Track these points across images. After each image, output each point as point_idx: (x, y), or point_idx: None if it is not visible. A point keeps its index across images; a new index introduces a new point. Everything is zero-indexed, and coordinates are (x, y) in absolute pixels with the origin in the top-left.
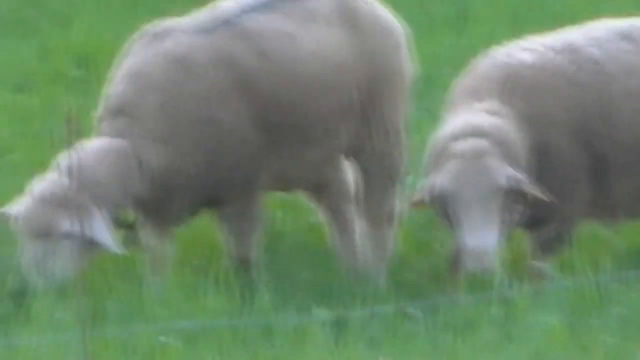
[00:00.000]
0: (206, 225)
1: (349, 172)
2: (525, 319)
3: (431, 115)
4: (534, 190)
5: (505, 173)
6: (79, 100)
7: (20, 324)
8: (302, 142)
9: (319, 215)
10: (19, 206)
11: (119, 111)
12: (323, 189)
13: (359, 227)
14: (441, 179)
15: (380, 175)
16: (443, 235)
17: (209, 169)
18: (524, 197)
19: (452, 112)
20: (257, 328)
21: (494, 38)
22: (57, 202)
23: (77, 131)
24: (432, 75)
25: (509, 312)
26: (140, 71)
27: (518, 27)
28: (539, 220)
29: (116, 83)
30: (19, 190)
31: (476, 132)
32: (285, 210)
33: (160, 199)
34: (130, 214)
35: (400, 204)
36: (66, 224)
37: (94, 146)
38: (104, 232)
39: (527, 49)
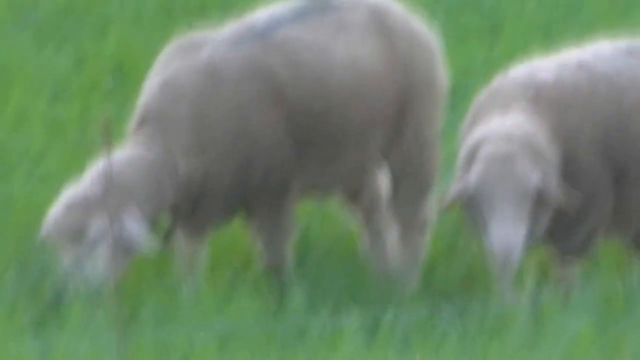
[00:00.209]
0: (240, 230)
1: (382, 179)
2: (554, 322)
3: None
4: (562, 193)
5: (535, 176)
6: (113, 110)
7: (56, 328)
8: (335, 151)
9: (352, 221)
10: (51, 213)
11: (152, 121)
12: (356, 196)
13: (391, 233)
14: (472, 180)
15: (413, 184)
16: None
17: (242, 177)
18: (552, 202)
19: (481, 124)
20: (291, 331)
21: (526, 50)
22: (88, 206)
23: (111, 140)
24: (463, 87)
25: (539, 316)
26: (174, 82)
27: (550, 39)
28: (562, 232)
29: (150, 93)
30: (54, 198)
31: (506, 136)
32: (318, 216)
33: (193, 207)
34: (164, 220)
35: (432, 211)
36: (97, 228)
37: (126, 154)
38: (135, 231)
39: (545, 69)
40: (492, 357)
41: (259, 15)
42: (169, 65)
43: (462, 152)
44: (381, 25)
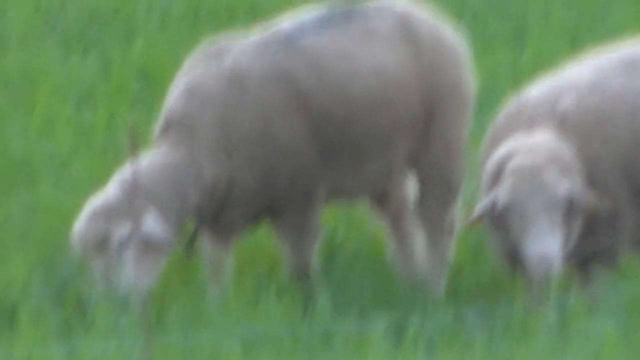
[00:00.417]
0: (266, 234)
1: (409, 183)
2: (581, 326)
3: None
4: (594, 200)
5: (565, 186)
6: (140, 115)
7: (83, 331)
8: (360, 156)
9: (378, 224)
10: (75, 225)
11: (177, 126)
12: (383, 199)
13: (418, 237)
14: (502, 194)
15: (441, 188)
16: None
17: (267, 182)
18: (583, 209)
19: (507, 141)
20: (317, 335)
21: (552, 55)
22: (111, 212)
23: (138, 146)
24: (490, 92)
25: (565, 319)
26: (200, 87)
27: (576, 44)
28: (585, 254)
29: (175, 97)
30: (80, 203)
31: (533, 150)
32: (344, 220)
33: (219, 210)
34: (190, 224)
35: (458, 214)
36: (121, 235)
37: (150, 159)
38: (156, 229)
39: (562, 94)
40: None
41: (285, 22)
42: (194, 71)
43: (488, 169)
44: (407, 32)
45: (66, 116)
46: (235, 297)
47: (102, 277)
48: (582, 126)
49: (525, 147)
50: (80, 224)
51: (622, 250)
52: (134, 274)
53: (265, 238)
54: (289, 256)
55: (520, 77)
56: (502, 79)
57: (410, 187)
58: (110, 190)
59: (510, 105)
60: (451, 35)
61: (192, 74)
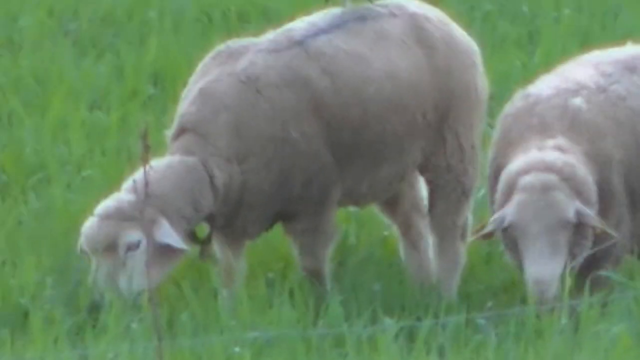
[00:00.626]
0: (278, 237)
1: (422, 187)
2: (593, 329)
3: None
4: (601, 225)
5: (574, 207)
6: (153, 118)
7: (95, 335)
8: (375, 159)
9: (391, 228)
10: (86, 224)
11: (192, 129)
12: (396, 203)
13: (431, 240)
14: (509, 212)
15: (454, 191)
16: None
17: (281, 186)
18: (591, 232)
19: (516, 147)
20: (328, 338)
21: (563, 56)
22: (122, 216)
23: (150, 148)
24: (502, 93)
25: (577, 322)
26: (214, 91)
27: (587, 45)
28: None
29: (189, 102)
30: (93, 206)
31: (546, 167)
32: (356, 223)
33: (233, 214)
34: (203, 228)
35: (470, 218)
36: (131, 236)
37: (165, 163)
38: (169, 235)
39: (572, 92)
40: None
41: (298, 24)
42: (208, 74)
43: (502, 182)
44: (420, 34)
45: (79, 119)
46: (246, 301)
47: (107, 279)
48: (594, 126)
49: (539, 164)
50: (90, 226)
51: (622, 254)
52: (140, 280)
53: (277, 241)
54: (303, 257)
55: (531, 79)
56: (514, 81)
57: (423, 190)
58: (123, 194)
59: (517, 105)
60: (464, 38)
61: (205, 79)
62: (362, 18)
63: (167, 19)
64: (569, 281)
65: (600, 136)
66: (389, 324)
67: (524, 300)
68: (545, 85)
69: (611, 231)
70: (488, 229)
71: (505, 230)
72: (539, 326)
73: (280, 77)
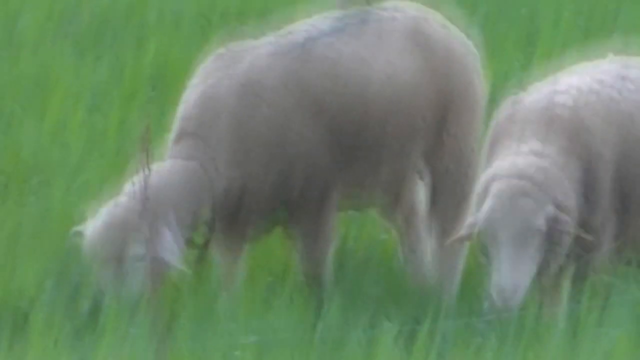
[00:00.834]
0: (278, 239)
1: (420, 189)
2: (592, 332)
3: None
4: (576, 231)
5: (544, 215)
6: (152, 120)
7: (94, 338)
8: (374, 162)
9: (390, 231)
10: (89, 230)
11: (192, 133)
12: (395, 206)
13: (430, 243)
14: (480, 218)
15: (453, 194)
16: None
17: (281, 189)
18: (567, 238)
19: (497, 155)
20: (328, 340)
21: (563, 58)
22: (128, 226)
23: (150, 150)
24: (501, 95)
25: (577, 325)
26: (213, 94)
27: (587, 46)
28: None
29: (189, 106)
30: (92, 208)
31: (518, 174)
32: (355, 226)
33: (233, 218)
34: (203, 232)
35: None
36: (137, 248)
37: (165, 167)
38: (170, 252)
39: (559, 92)
40: None
41: (299, 27)
42: (208, 77)
43: (477, 187)
44: (420, 36)
45: (78, 121)
46: (247, 303)
47: (111, 286)
48: (578, 122)
49: (511, 170)
50: (96, 234)
51: (607, 256)
52: (142, 285)
53: (277, 243)
54: (303, 260)
55: (530, 81)
56: (513, 82)
57: (421, 192)
58: (126, 200)
59: (503, 113)
60: (463, 40)
61: (205, 80)
62: (362, 21)
63: (166, 20)
64: (567, 285)
65: (586, 132)
66: (389, 327)
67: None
68: (534, 91)
69: (587, 236)
70: (461, 233)
71: (475, 235)
72: (539, 330)
73: (279, 80)
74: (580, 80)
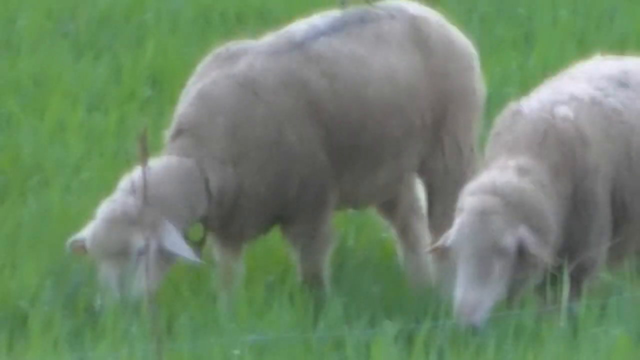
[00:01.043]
0: (277, 240)
1: (420, 189)
2: (591, 332)
3: None
4: (541, 254)
5: (513, 235)
6: (150, 120)
7: (94, 338)
8: (373, 162)
9: (389, 230)
10: (90, 229)
11: (188, 132)
12: (394, 205)
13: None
14: (451, 232)
15: (452, 193)
16: None
17: (277, 189)
18: (536, 261)
19: (487, 167)
20: (327, 341)
21: (560, 59)
22: (130, 220)
23: (148, 150)
24: (498, 95)
25: (576, 325)
26: (211, 93)
27: (584, 48)
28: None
29: (187, 104)
30: (91, 208)
31: (493, 190)
32: (355, 226)
33: (229, 218)
34: (199, 231)
35: None
36: (141, 241)
37: (163, 164)
38: (179, 243)
39: (559, 102)
40: None
41: (297, 27)
42: (206, 76)
43: (459, 200)
44: (418, 36)
45: (77, 121)
46: (245, 304)
47: (116, 284)
48: (576, 136)
49: (487, 186)
50: (97, 231)
51: (601, 264)
52: (145, 282)
53: (276, 244)
54: (301, 261)
55: (528, 80)
56: (510, 83)
57: (421, 192)
58: (124, 196)
59: (503, 123)
60: (462, 40)
61: (203, 81)
62: (361, 20)
63: (164, 20)
64: (566, 286)
65: (582, 146)
66: (388, 326)
67: (522, 303)
68: (534, 99)
69: (552, 260)
70: (438, 244)
71: (447, 249)
72: (538, 329)
73: (278, 80)
74: (580, 88)
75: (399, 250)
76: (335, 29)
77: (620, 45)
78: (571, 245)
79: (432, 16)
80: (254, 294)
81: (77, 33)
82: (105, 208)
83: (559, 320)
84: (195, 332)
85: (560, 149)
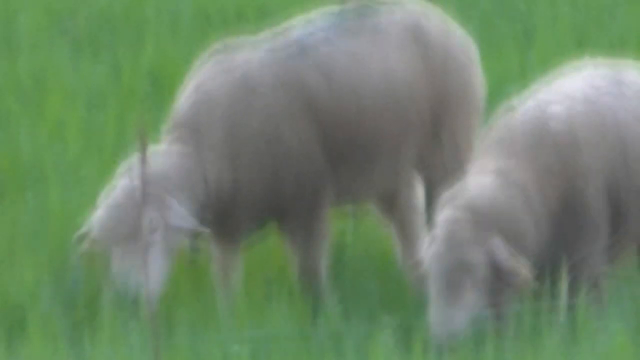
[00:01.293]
0: (274, 239)
1: (417, 187)
2: (590, 331)
3: None
4: (513, 266)
5: (481, 250)
6: (150, 118)
7: (91, 338)
8: (369, 158)
9: (387, 226)
10: (96, 217)
11: (185, 126)
12: (392, 201)
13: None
14: (424, 246)
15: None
16: None
17: (273, 186)
18: (507, 275)
19: (471, 167)
20: (325, 339)
21: (559, 56)
22: (135, 202)
23: (147, 148)
24: (498, 93)
25: (574, 320)
26: (208, 88)
27: (584, 45)
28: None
29: (184, 100)
30: (90, 206)
31: (462, 204)
32: (353, 223)
33: (225, 213)
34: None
35: None
36: (149, 220)
37: (161, 150)
38: (185, 217)
39: (553, 102)
40: None
41: (295, 25)
42: (203, 74)
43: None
44: (417, 34)
45: (76, 119)
46: (244, 301)
47: (128, 269)
48: (568, 136)
49: (459, 199)
50: (104, 217)
51: (600, 265)
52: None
53: (274, 242)
54: (297, 260)
55: (528, 78)
56: (510, 80)
57: (419, 190)
58: (128, 182)
59: (496, 124)
60: (461, 38)
61: (201, 77)
62: (360, 16)
63: (164, 18)
64: (565, 282)
65: (573, 146)
66: (387, 322)
67: (522, 299)
68: (527, 98)
69: (527, 269)
70: (418, 258)
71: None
72: (537, 325)
73: (275, 77)
74: (574, 86)
75: (397, 247)
76: (333, 25)
77: (621, 42)
78: (566, 244)
79: (433, 12)
80: (252, 290)
81: (77, 32)
82: (107, 195)
83: (559, 316)
84: (193, 329)
85: (550, 151)
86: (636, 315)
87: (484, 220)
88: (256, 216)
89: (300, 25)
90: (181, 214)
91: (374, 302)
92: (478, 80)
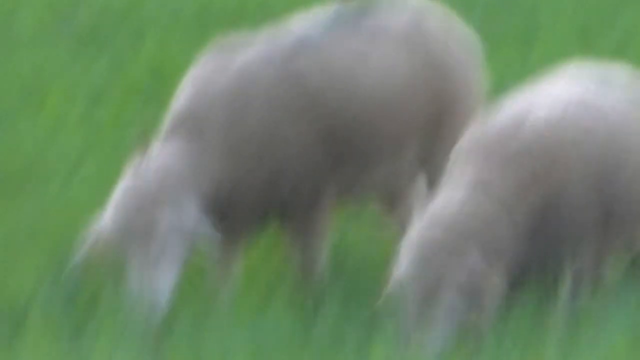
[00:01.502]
0: (274, 239)
1: (419, 188)
2: (590, 333)
3: None
4: (489, 282)
5: (462, 267)
6: (151, 115)
7: (92, 337)
8: (370, 158)
9: (390, 226)
10: (109, 217)
11: (184, 122)
12: (395, 201)
13: None
14: (401, 265)
15: None
16: None
17: (272, 184)
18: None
19: (448, 178)
20: (326, 339)
21: (562, 53)
22: (150, 199)
23: (149, 145)
24: (500, 91)
25: (574, 324)
26: (208, 84)
27: (587, 43)
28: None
29: (183, 95)
30: (91, 202)
31: (436, 221)
32: (354, 223)
33: (225, 211)
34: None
35: None
36: (166, 218)
37: (163, 148)
38: (201, 220)
39: (535, 108)
40: None
41: (297, 20)
42: (204, 70)
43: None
44: (419, 32)
45: (77, 115)
46: (244, 301)
47: (145, 268)
48: (554, 140)
49: (433, 217)
50: (119, 216)
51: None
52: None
53: (275, 241)
54: (298, 258)
55: (529, 75)
56: (512, 78)
57: (422, 188)
58: (134, 180)
59: (475, 129)
60: (463, 35)
61: (201, 72)
62: (362, 13)
63: (165, 14)
64: (568, 281)
65: (559, 152)
66: (387, 324)
67: (522, 302)
68: (508, 104)
69: (503, 285)
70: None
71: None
72: (537, 328)
73: (276, 75)
74: (561, 88)
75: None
76: (333, 24)
77: (625, 40)
78: (554, 250)
79: (435, 9)
80: (252, 292)
81: (76, 29)
82: (119, 193)
83: (558, 318)
84: (193, 329)
85: (533, 159)
86: (636, 320)
87: (458, 238)
88: (256, 215)
89: (301, 23)
90: (196, 217)
91: (374, 302)
92: (479, 79)
